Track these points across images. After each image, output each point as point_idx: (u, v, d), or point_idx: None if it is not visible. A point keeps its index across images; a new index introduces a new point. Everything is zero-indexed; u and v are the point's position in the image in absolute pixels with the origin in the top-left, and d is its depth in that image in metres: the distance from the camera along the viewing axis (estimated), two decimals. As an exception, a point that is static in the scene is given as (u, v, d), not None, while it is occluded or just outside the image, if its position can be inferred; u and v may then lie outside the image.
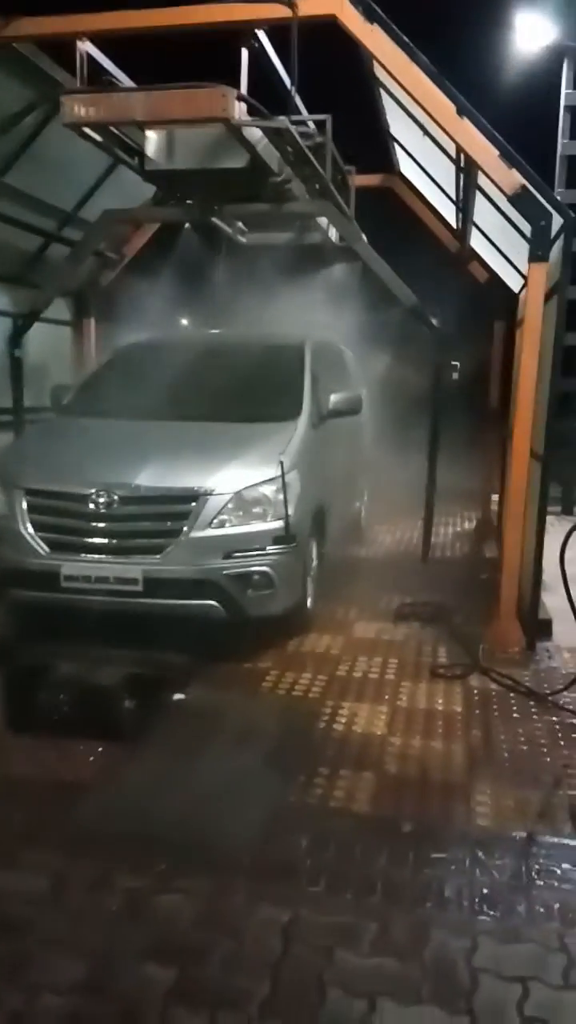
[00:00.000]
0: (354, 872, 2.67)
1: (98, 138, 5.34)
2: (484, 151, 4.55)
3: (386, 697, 4.16)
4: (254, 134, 5.30)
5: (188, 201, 6.90)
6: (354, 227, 7.30)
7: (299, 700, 4.11)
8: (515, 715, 3.97)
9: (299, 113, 5.50)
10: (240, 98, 4.67)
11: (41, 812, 3.02)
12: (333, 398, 5.62)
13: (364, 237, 8.29)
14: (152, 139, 5.57)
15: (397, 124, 6.85)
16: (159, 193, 7.40)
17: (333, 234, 8.04)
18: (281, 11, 4.60)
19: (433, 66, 4.56)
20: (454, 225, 7.95)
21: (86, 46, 4.96)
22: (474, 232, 7.17)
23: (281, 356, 5.96)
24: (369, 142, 7.92)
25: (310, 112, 6.12)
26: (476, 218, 6.54)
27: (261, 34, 4.95)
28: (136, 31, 4.84)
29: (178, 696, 4.10)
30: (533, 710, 4.03)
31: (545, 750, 3.61)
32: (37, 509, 4.55)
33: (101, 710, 3.81)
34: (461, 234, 7.62)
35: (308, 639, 5.00)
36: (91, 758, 3.48)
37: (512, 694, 4.22)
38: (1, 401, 7.76)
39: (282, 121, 4.78)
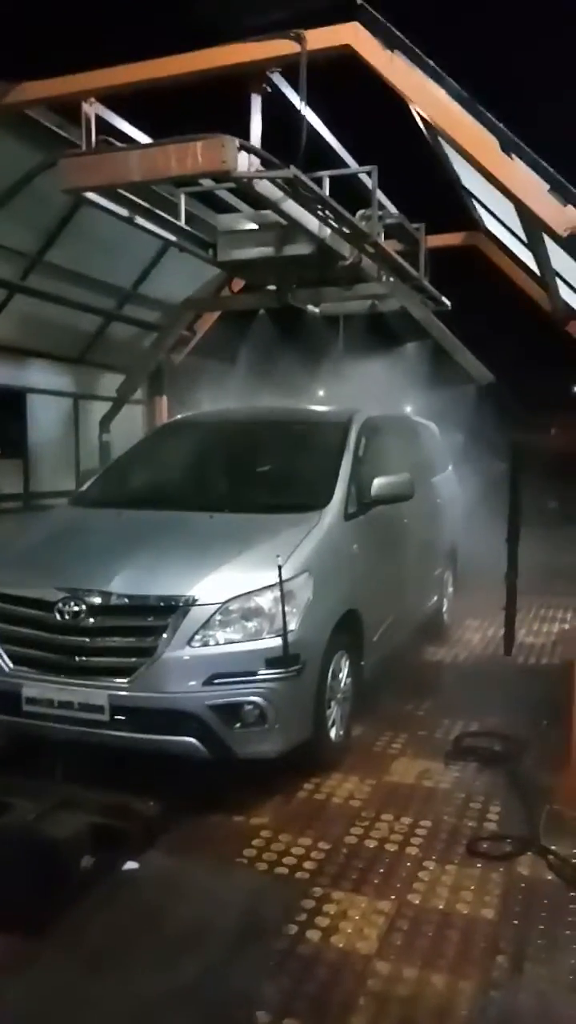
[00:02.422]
0: None
1: (113, 207, 4.91)
2: (532, 187, 3.71)
3: (397, 886, 3.12)
4: (311, 221, 4.89)
5: (267, 287, 6.95)
6: (421, 305, 6.64)
7: (280, 882, 3.15)
8: (568, 933, 2.83)
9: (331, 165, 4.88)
10: (244, 148, 4.07)
11: None
12: (377, 483, 4.74)
13: (447, 302, 7.59)
14: (221, 227, 5.93)
15: (469, 174, 6.10)
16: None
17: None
18: (289, 47, 4.02)
19: (468, 95, 3.81)
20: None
21: (93, 107, 4.57)
22: (562, 286, 6.22)
23: (322, 435, 5.19)
24: (445, 199, 7.20)
25: (360, 164, 5.51)
26: (558, 267, 5.61)
27: (279, 78, 4.39)
28: (140, 85, 4.42)
29: (130, 865, 3.26)
30: (598, 924, 2.88)
31: (602, 1002, 2.48)
32: (2, 617, 3.94)
33: (24, 880, 3.06)
34: (551, 289, 6.66)
35: (328, 782, 4.04)
36: (-25, 958, 2.69)
37: (574, 893, 3.08)
38: (68, 484, 7.48)
39: (289, 171, 4.12)
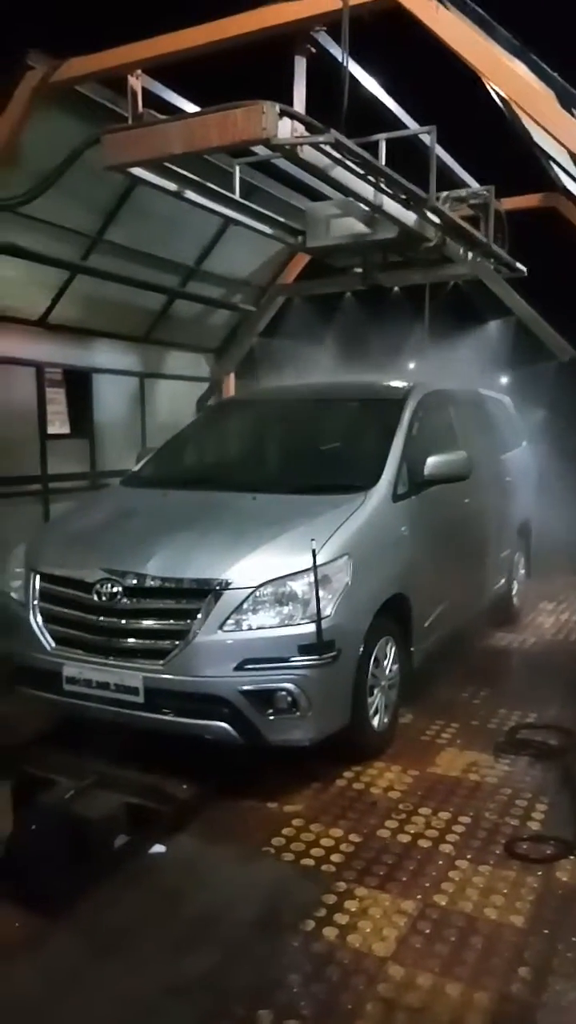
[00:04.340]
0: None
1: (162, 183, 4.84)
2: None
3: (424, 885, 3.00)
4: (365, 189, 4.79)
5: (355, 269, 7.10)
6: (495, 275, 6.41)
7: (304, 874, 3.08)
8: (602, 947, 2.65)
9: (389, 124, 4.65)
10: (286, 113, 3.90)
11: None
12: (430, 462, 4.54)
13: (522, 268, 7.23)
14: (308, 216, 6.25)
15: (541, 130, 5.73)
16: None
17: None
18: (331, 3, 3.81)
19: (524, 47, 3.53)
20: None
21: (139, 80, 4.49)
22: None
23: (376, 411, 5.02)
24: (519, 159, 6.78)
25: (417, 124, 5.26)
26: None
27: (327, 39, 4.19)
28: (183, 54, 4.30)
29: (157, 848, 3.26)
30: None
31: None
32: (47, 596, 3.99)
33: (56, 859, 3.11)
34: None
35: (369, 772, 3.94)
36: (-6, 936, 2.74)
37: (614, 904, 2.89)
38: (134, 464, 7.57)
39: (330, 135, 3.92)
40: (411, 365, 8.10)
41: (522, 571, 7.04)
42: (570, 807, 3.55)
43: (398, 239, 5.87)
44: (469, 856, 3.20)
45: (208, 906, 2.87)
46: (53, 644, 3.90)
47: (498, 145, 6.59)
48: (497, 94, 4.91)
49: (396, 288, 8.07)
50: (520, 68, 3.60)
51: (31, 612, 3.98)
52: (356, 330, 8.61)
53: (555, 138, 3.62)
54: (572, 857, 3.16)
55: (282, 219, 6.30)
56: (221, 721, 3.53)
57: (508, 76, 3.57)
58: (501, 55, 3.55)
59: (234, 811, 3.55)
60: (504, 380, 8.44)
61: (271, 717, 3.53)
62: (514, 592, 6.80)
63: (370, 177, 4.58)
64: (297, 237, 6.56)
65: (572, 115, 3.63)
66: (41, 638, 3.92)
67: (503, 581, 6.46)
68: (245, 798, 3.64)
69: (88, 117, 5.16)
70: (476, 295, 7.92)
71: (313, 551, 3.53)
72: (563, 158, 5.48)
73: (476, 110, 5.96)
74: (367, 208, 5.19)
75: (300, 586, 3.60)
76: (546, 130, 3.64)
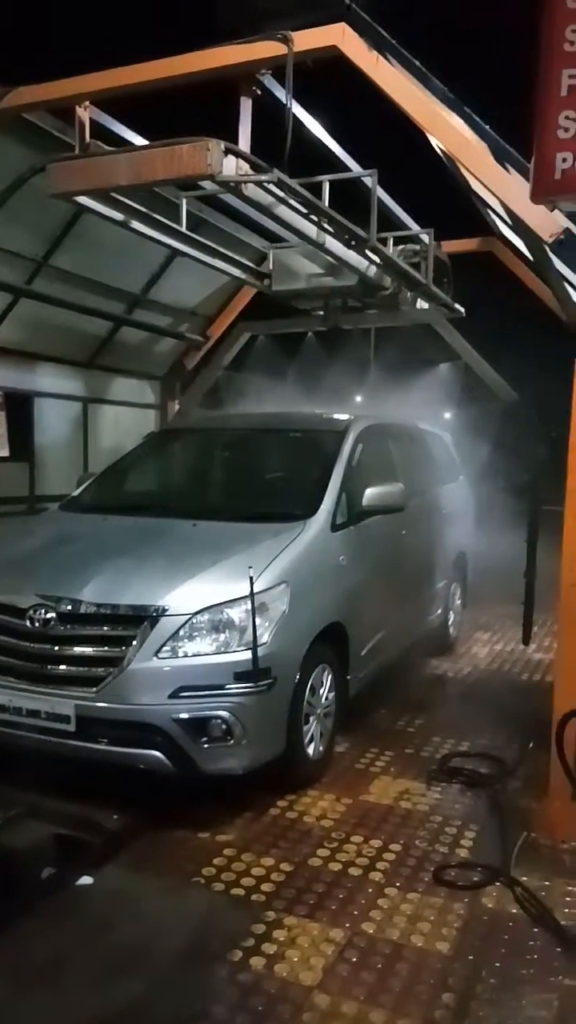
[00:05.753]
0: None
1: (108, 212, 4.88)
2: (520, 193, 3.57)
3: (353, 913, 3.02)
4: (308, 227, 4.94)
5: (315, 312, 7.54)
6: (438, 314, 6.69)
7: (234, 904, 3.07)
8: (524, 972, 2.70)
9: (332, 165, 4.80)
10: (231, 151, 4.00)
11: None
12: (369, 493, 4.63)
13: (460, 308, 7.48)
14: (274, 260, 6.70)
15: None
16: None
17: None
18: (277, 49, 3.93)
19: (456, 98, 3.70)
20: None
21: (87, 111, 4.55)
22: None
23: (316, 442, 5.10)
24: (458, 204, 7.06)
25: (360, 167, 5.43)
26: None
27: (273, 82, 4.32)
28: (131, 89, 4.37)
29: (84, 880, 3.20)
30: (557, 967, 2.73)
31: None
32: (-24, 622, 3.92)
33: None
34: (562, 297, 6.49)
35: (302, 800, 3.94)
36: None
37: (536, 928, 2.94)
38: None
39: (272, 174, 4.04)
40: (358, 399, 8.29)
41: (458, 601, 7.17)
42: (498, 833, 3.61)
43: (357, 286, 6.24)
44: (398, 884, 3.22)
45: (135, 937, 2.83)
46: (-17, 672, 3.82)
47: (438, 190, 6.85)
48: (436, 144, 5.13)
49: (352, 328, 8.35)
50: (456, 120, 3.77)
51: (-40, 639, 3.90)
52: (310, 364, 8.79)
53: (489, 189, 3.79)
54: (498, 884, 3.21)
55: (230, 253, 6.41)
56: (154, 750, 3.50)
57: (445, 128, 3.73)
58: (438, 107, 3.72)
59: (165, 841, 3.51)
60: (450, 417, 8.70)
61: (205, 745, 3.52)
62: (450, 622, 6.92)
63: (312, 216, 4.70)
64: (264, 280, 6.90)
65: (504, 168, 3.80)
66: (-30, 666, 3.84)
67: (440, 611, 6.58)
68: (176, 828, 3.60)
69: (35, 144, 5.21)
70: (428, 338, 8.18)
71: (251, 578, 3.56)
72: (498, 205, 5.73)
73: (417, 156, 6.20)
74: (328, 256, 5.42)
75: (237, 613, 3.62)
76: (480, 181, 3.81)
